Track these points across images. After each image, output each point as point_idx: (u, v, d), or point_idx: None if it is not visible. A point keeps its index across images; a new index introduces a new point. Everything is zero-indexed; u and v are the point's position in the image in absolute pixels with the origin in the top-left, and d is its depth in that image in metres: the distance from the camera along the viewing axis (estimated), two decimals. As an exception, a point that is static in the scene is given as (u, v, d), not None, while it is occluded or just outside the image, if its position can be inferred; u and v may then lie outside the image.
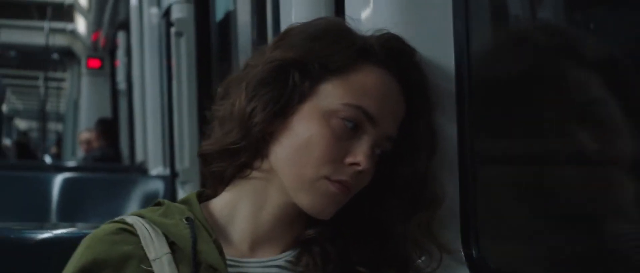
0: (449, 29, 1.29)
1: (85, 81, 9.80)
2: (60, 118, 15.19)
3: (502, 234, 1.32)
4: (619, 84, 1.11)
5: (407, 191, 1.25)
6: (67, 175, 4.54)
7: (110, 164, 6.59)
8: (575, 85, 1.18)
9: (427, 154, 1.26)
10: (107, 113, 8.87)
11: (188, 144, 3.52)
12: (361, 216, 1.26)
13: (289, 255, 1.24)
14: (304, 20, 1.31)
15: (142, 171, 5.13)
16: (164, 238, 1.17)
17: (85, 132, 7.76)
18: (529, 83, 1.25)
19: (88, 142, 7.55)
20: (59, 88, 14.18)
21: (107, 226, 1.20)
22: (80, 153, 8.26)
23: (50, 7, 9.93)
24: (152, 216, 1.20)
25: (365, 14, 1.36)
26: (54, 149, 13.73)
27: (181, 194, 3.49)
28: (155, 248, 1.15)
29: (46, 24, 9.74)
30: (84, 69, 9.91)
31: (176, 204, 1.24)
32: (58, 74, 13.02)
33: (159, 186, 4.07)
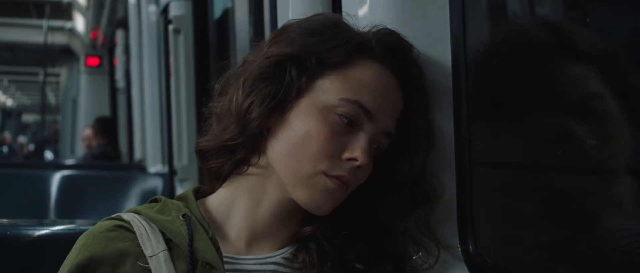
0: (445, 24, 1.29)
1: (84, 78, 9.80)
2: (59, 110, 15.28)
3: (499, 230, 1.32)
4: (620, 80, 1.11)
5: (405, 188, 1.25)
6: (66, 172, 4.54)
7: (109, 162, 6.58)
8: (574, 82, 1.18)
9: (425, 151, 1.26)
10: (106, 111, 8.88)
11: (186, 141, 3.52)
12: (358, 212, 1.26)
13: (285, 251, 1.24)
14: (301, 17, 1.31)
15: (140, 168, 5.13)
16: (160, 235, 1.17)
17: (88, 128, 7.77)
18: (526, 79, 1.25)
19: (89, 139, 7.54)
20: (58, 83, 14.23)
21: (103, 223, 1.20)
22: (81, 150, 8.25)
23: (48, 6, 9.92)
24: (149, 213, 1.20)
25: (362, 10, 1.35)
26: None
27: (179, 191, 3.49)
28: (152, 245, 1.15)
29: (45, 23, 9.74)
30: (82, 67, 9.91)
31: (173, 200, 1.24)
32: (57, 69, 13.05)
33: (157, 183, 4.07)
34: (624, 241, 1.14)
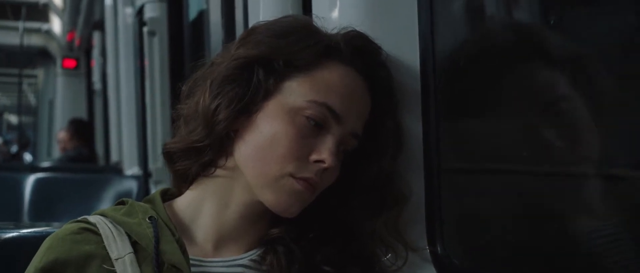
0: (414, 27, 1.29)
1: (60, 81, 9.73)
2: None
3: (467, 232, 1.32)
4: (588, 83, 1.11)
5: (373, 190, 1.25)
6: (41, 175, 4.50)
7: (85, 164, 6.54)
8: (542, 84, 1.18)
9: (393, 153, 1.26)
10: (82, 113, 8.81)
11: (161, 144, 3.50)
12: (327, 215, 1.26)
13: (253, 254, 1.23)
14: (271, 19, 1.30)
15: (117, 171, 5.10)
16: (126, 237, 1.16)
17: (62, 131, 7.72)
18: (495, 81, 1.26)
19: (64, 141, 7.49)
20: (36, 84, 14.12)
21: (69, 226, 1.19)
22: (57, 152, 8.20)
23: (25, 7, 9.84)
24: (115, 216, 1.20)
25: (331, 12, 1.35)
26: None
27: (154, 194, 3.47)
28: (118, 248, 1.14)
29: (21, 24, 9.66)
30: (59, 69, 9.84)
31: (140, 203, 1.23)
32: (36, 71, 12.96)
33: (132, 186, 4.05)
34: (591, 242, 1.15)
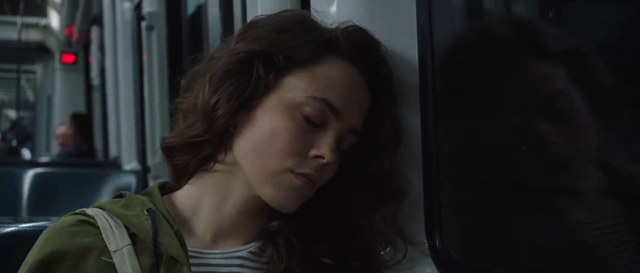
0: (412, 21, 1.29)
1: (59, 76, 9.74)
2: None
3: (465, 225, 1.33)
4: (587, 78, 1.11)
5: (372, 185, 1.25)
6: (40, 170, 4.50)
7: (84, 159, 6.54)
8: (540, 79, 1.18)
9: (392, 148, 1.26)
10: (81, 108, 8.82)
11: (159, 138, 3.50)
12: (326, 209, 1.26)
13: (252, 246, 1.24)
14: (269, 13, 1.30)
15: (115, 166, 5.10)
16: (124, 229, 1.16)
17: (61, 126, 7.71)
18: (493, 76, 1.26)
19: (64, 136, 7.49)
20: (35, 79, 14.13)
21: (66, 219, 1.19)
22: (56, 148, 8.20)
23: (22, 2, 9.84)
24: (113, 208, 1.20)
25: (330, 7, 1.35)
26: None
27: (153, 189, 3.47)
28: (116, 240, 1.14)
29: (19, 19, 9.66)
30: (57, 64, 9.84)
31: (138, 196, 1.23)
32: (35, 67, 12.96)
33: (131, 180, 4.05)
34: (587, 235, 1.15)
